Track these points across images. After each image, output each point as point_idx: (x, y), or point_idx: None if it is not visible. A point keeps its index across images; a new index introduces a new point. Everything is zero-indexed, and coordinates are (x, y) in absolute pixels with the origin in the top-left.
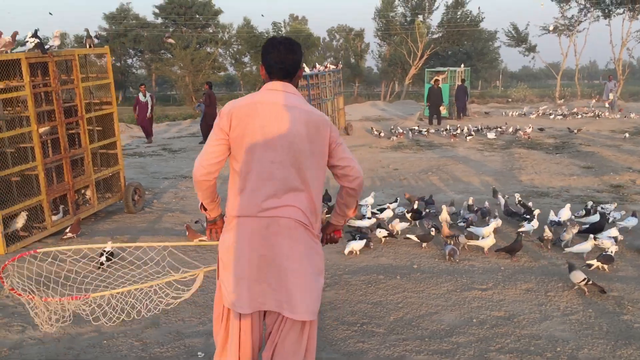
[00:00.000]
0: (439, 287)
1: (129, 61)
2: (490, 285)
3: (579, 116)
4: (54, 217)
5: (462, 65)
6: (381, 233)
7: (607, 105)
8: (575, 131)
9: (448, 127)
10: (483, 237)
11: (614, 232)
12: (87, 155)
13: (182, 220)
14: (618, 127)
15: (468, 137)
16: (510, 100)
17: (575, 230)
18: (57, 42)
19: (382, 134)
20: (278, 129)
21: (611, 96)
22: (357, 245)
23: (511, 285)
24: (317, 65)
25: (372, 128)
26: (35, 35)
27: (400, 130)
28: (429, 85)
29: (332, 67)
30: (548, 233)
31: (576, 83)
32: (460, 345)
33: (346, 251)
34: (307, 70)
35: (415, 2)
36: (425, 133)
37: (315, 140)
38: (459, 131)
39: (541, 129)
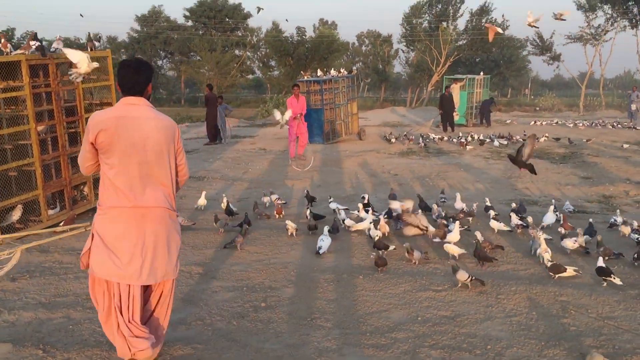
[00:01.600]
0: (396, 287)
1: (159, 62)
2: (446, 287)
3: (599, 126)
4: (51, 211)
5: (482, 73)
6: (375, 232)
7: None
8: (585, 141)
9: (460, 135)
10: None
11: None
12: None
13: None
14: (635, 138)
15: (467, 147)
16: (537, 108)
17: (539, 234)
18: (59, 45)
19: (393, 140)
20: (140, 136)
21: (633, 107)
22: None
23: (466, 287)
24: (332, 71)
25: (390, 133)
26: (35, 38)
27: (410, 137)
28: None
29: (346, 72)
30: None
31: (600, 93)
32: (397, 340)
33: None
34: (319, 74)
35: (439, 9)
36: (437, 140)
37: (169, 142)
38: (469, 139)
39: (557, 139)
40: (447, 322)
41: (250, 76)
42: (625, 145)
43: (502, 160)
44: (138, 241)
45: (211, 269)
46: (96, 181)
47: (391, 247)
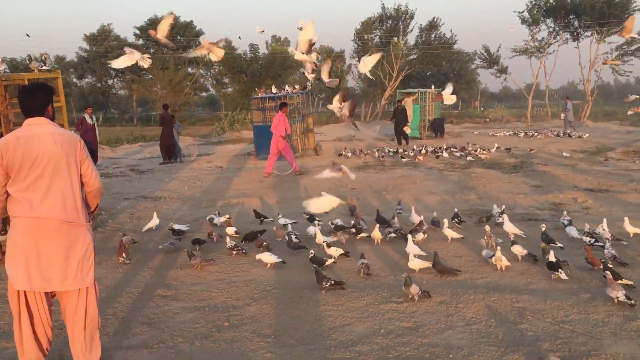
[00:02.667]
0: (359, 300)
1: (110, 82)
2: (408, 299)
3: (542, 135)
4: (1, 238)
5: (433, 87)
6: (337, 251)
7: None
8: (529, 150)
9: (414, 147)
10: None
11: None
12: None
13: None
14: (581, 146)
15: (420, 159)
16: (487, 120)
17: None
18: (2, 67)
19: (349, 155)
20: (38, 151)
21: (562, 115)
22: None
23: (426, 298)
24: (287, 87)
25: (345, 148)
26: None
27: (366, 151)
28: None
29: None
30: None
31: (546, 104)
32: (362, 353)
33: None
34: (274, 91)
35: (390, 25)
36: (392, 154)
37: (70, 154)
38: (423, 151)
39: (508, 149)
40: (409, 333)
41: (204, 94)
42: (565, 154)
43: (456, 171)
44: (30, 249)
45: (171, 290)
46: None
47: (330, 261)
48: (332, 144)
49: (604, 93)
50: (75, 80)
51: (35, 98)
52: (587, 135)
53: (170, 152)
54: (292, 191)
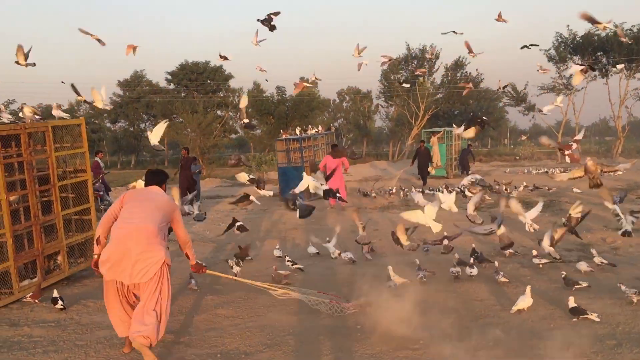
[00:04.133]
0: (372, 347)
1: (142, 126)
2: (422, 344)
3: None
4: (22, 283)
5: (456, 125)
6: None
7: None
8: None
9: (439, 187)
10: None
11: None
12: (58, 222)
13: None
14: (612, 184)
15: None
16: (517, 157)
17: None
18: (59, 113)
19: (374, 195)
20: (149, 199)
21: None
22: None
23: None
24: (310, 129)
25: (371, 190)
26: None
27: (391, 191)
28: (428, 146)
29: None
30: None
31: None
32: None
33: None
34: (297, 133)
35: (416, 65)
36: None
37: (164, 208)
38: (444, 191)
39: (535, 188)
40: None
41: (233, 136)
42: (576, 190)
43: (482, 210)
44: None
45: (185, 336)
46: (72, 249)
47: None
48: (358, 184)
49: (637, 129)
50: (108, 124)
51: (155, 178)
52: (620, 172)
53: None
54: (315, 232)
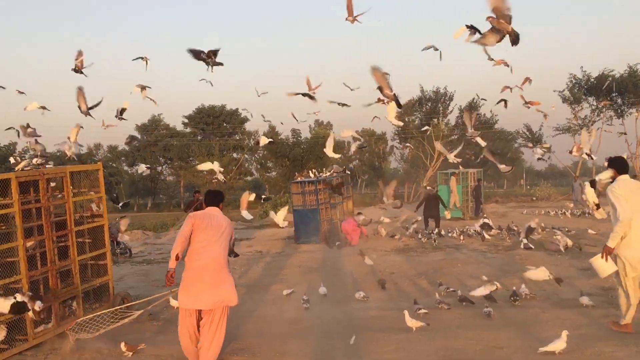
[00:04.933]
0: None
1: (159, 169)
2: None
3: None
4: (37, 329)
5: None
6: None
7: (572, 205)
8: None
9: (456, 229)
10: None
11: None
12: (74, 267)
13: (165, 329)
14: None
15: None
16: (534, 198)
17: None
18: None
19: (396, 236)
20: (215, 225)
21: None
22: None
23: None
24: (325, 171)
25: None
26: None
27: (409, 232)
28: (443, 187)
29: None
30: None
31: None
32: None
33: None
34: (312, 175)
35: (430, 107)
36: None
37: (228, 230)
38: (460, 233)
39: (556, 229)
40: None
41: (248, 178)
42: (591, 232)
43: (500, 253)
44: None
45: None
46: (87, 294)
47: None
48: (375, 226)
49: None
50: (126, 167)
51: (216, 197)
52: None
53: None
54: (330, 276)
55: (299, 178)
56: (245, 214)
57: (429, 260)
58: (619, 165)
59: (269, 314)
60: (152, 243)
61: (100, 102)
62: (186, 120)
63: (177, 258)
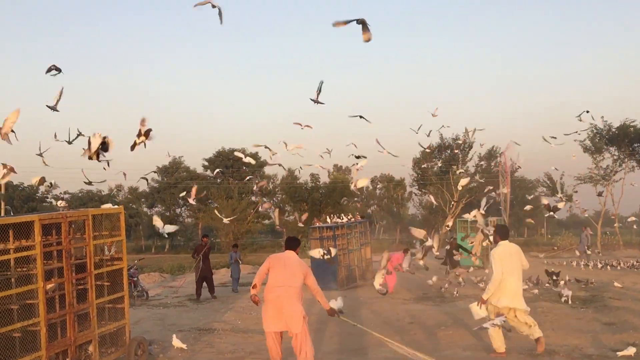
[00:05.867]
0: None
1: (178, 210)
2: None
3: (618, 267)
4: None
5: (494, 218)
6: None
7: (577, 254)
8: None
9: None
10: None
11: None
12: (92, 310)
13: None
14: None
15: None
16: (556, 248)
17: None
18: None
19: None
20: (288, 265)
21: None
22: None
23: None
24: (342, 217)
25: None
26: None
27: (430, 282)
28: (462, 234)
29: (357, 218)
30: None
31: (616, 232)
32: None
33: None
34: (329, 221)
35: (448, 154)
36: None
37: (300, 270)
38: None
39: (578, 281)
40: None
41: (266, 221)
42: (617, 285)
43: None
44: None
45: None
46: (104, 338)
47: None
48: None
49: None
50: (145, 209)
51: (293, 243)
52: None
53: (208, 284)
54: (347, 325)
55: (317, 223)
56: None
57: (447, 310)
58: (501, 232)
59: None
60: (168, 286)
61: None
62: (206, 163)
63: (254, 287)
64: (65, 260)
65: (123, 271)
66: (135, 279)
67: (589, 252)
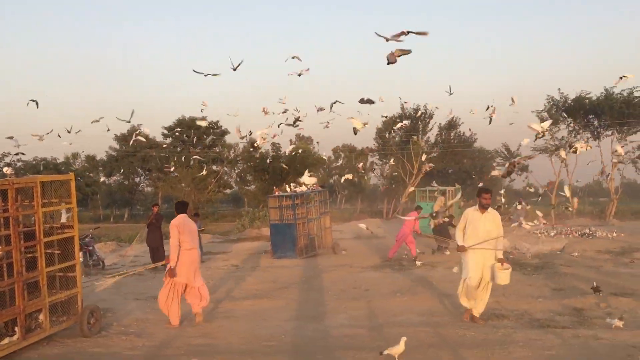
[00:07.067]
0: None
1: (137, 179)
2: None
3: (570, 235)
4: (2, 342)
5: (456, 185)
6: None
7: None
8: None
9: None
10: None
11: None
12: (42, 279)
13: (133, 345)
14: (606, 247)
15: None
16: (512, 217)
17: None
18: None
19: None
20: (192, 226)
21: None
22: None
23: None
24: (303, 185)
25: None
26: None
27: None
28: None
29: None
30: None
31: (571, 201)
32: None
33: None
34: (288, 190)
35: (410, 124)
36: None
37: (196, 229)
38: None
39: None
40: None
41: (227, 191)
42: (576, 254)
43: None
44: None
45: None
46: (55, 307)
47: None
48: (352, 242)
49: (631, 191)
50: (103, 178)
51: (185, 206)
52: (615, 234)
53: (156, 255)
54: (305, 292)
55: (276, 192)
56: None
57: (405, 277)
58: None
59: (241, 329)
60: (125, 255)
61: None
62: (166, 132)
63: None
64: (13, 227)
65: (74, 239)
66: (90, 248)
67: (525, 224)
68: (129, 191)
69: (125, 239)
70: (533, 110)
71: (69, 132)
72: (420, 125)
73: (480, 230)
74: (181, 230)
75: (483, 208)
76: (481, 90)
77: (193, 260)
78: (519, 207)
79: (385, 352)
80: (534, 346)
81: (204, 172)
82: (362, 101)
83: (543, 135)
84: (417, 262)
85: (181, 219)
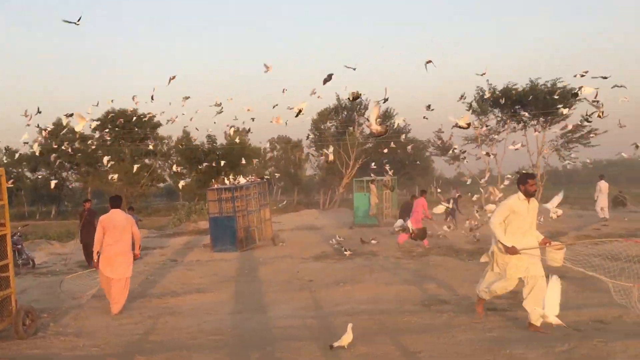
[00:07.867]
0: None
1: (64, 174)
2: None
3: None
4: None
5: (391, 172)
6: None
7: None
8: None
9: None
10: None
11: None
12: None
13: (73, 345)
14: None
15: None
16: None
17: None
18: None
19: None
20: (119, 221)
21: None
22: None
23: None
24: (241, 178)
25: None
26: None
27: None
28: (359, 194)
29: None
30: None
31: (499, 189)
32: None
33: None
34: (227, 183)
35: (345, 115)
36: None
37: (127, 224)
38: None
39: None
40: None
41: (161, 184)
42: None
43: (414, 259)
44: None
45: None
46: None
47: None
48: (292, 234)
49: (554, 178)
50: (28, 173)
51: (117, 201)
52: (542, 220)
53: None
54: (248, 285)
55: (215, 185)
56: None
57: (346, 267)
58: None
59: (187, 324)
60: (56, 253)
61: None
62: (95, 124)
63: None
64: None
65: (7, 238)
66: (19, 246)
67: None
68: (56, 187)
69: (54, 236)
70: (464, 102)
71: None
72: (356, 116)
73: (527, 223)
74: (106, 226)
75: (530, 196)
76: (422, 85)
77: (116, 254)
78: (457, 194)
79: (336, 345)
80: (476, 329)
81: (135, 169)
82: (325, 81)
83: (467, 127)
84: (372, 241)
85: (109, 215)
